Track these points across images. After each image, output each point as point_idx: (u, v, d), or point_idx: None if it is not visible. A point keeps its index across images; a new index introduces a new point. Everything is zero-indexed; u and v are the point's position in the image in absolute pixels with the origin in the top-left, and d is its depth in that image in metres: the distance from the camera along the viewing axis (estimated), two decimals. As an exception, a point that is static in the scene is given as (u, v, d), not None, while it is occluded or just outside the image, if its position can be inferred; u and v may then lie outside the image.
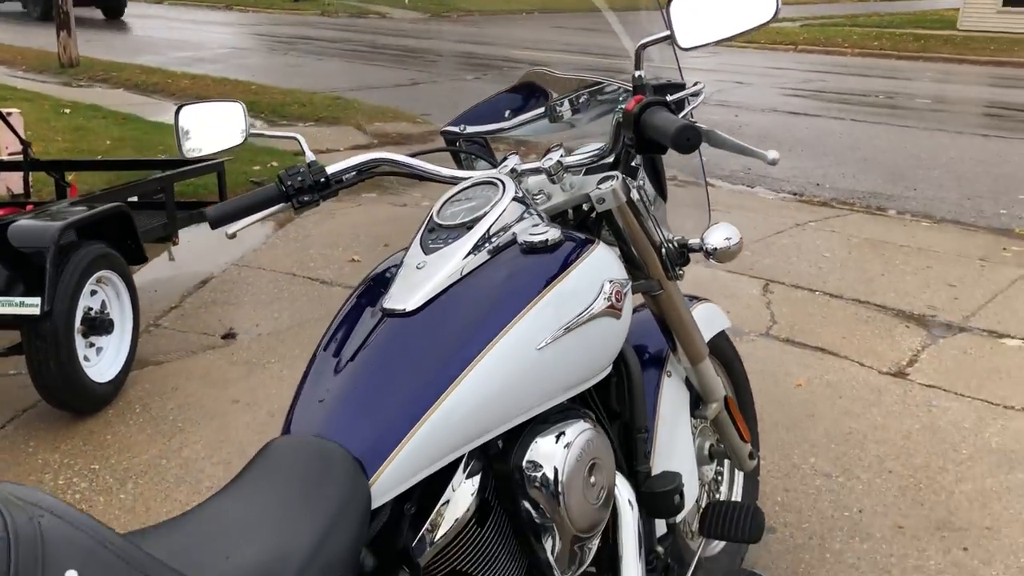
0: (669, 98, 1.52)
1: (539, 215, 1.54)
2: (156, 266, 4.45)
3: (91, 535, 0.90)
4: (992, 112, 10.27)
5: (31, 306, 2.89)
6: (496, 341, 1.32)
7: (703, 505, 2.09)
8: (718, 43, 1.52)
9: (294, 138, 1.74)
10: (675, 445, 1.86)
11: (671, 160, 1.75)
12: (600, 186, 1.59)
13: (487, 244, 1.44)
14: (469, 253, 1.42)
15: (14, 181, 4.82)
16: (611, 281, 1.47)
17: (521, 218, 1.49)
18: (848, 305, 4.28)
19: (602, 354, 1.49)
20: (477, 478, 1.34)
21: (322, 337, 1.42)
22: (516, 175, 1.63)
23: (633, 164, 1.70)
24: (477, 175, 1.61)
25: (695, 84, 1.62)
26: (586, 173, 1.67)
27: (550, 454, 1.38)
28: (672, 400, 1.89)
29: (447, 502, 1.31)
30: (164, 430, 3.15)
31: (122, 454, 3.00)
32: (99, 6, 20.38)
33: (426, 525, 1.29)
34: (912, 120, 9.42)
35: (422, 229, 1.50)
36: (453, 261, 1.41)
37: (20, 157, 4.57)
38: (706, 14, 1.51)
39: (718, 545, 2.31)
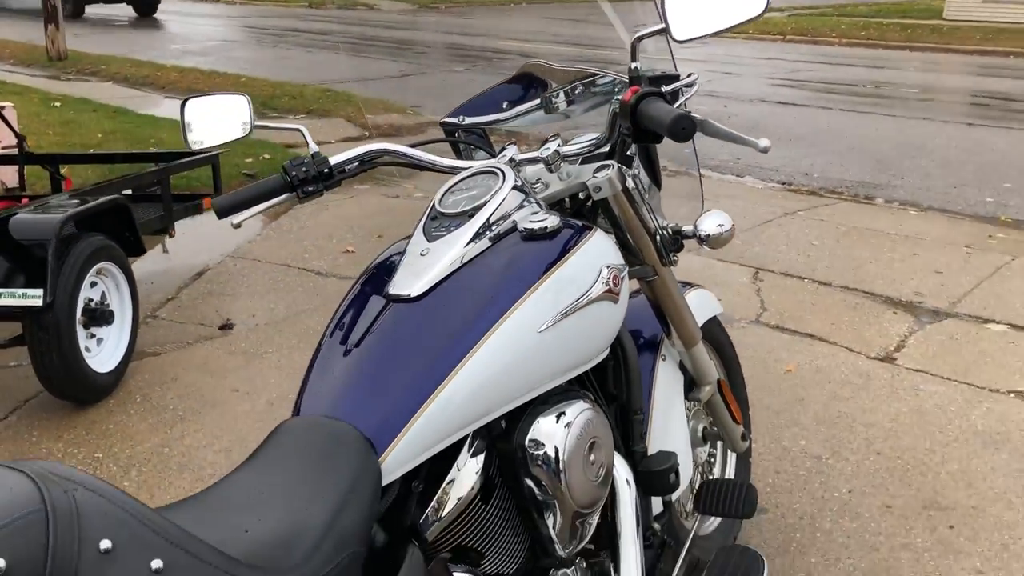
0: (664, 89, 1.58)
1: (538, 203, 1.59)
2: (152, 259, 4.47)
3: (123, 507, 0.95)
4: (977, 101, 10.35)
5: (34, 298, 2.93)
6: (499, 325, 1.37)
7: (697, 486, 2.15)
8: (711, 36, 1.58)
9: (298, 129, 1.79)
10: (670, 426, 1.92)
11: (664, 149, 1.81)
12: (596, 175, 1.64)
13: (488, 231, 1.49)
14: (471, 240, 1.47)
15: (8, 175, 4.84)
16: (609, 266, 1.53)
17: (521, 206, 1.54)
18: (836, 292, 4.35)
19: (600, 337, 1.55)
20: (481, 457, 1.39)
21: (329, 322, 1.47)
22: (515, 164, 1.68)
23: (628, 153, 1.75)
24: (477, 165, 1.66)
25: (689, 75, 1.67)
26: (582, 162, 1.73)
27: (551, 433, 1.43)
28: (667, 383, 1.95)
29: (453, 480, 1.36)
30: (165, 419, 3.20)
31: (125, 442, 3.05)
32: (131, 3, 19.61)
33: (433, 502, 1.34)
34: (899, 109, 9.49)
35: (425, 217, 1.55)
36: (456, 248, 1.46)
37: (15, 151, 4.59)
38: (699, 8, 1.56)
39: (712, 524, 2.37)
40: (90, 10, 19.99)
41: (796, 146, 7.61)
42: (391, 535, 1.31)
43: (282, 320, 4.03)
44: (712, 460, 2.41)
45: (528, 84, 1.94)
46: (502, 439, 1.43)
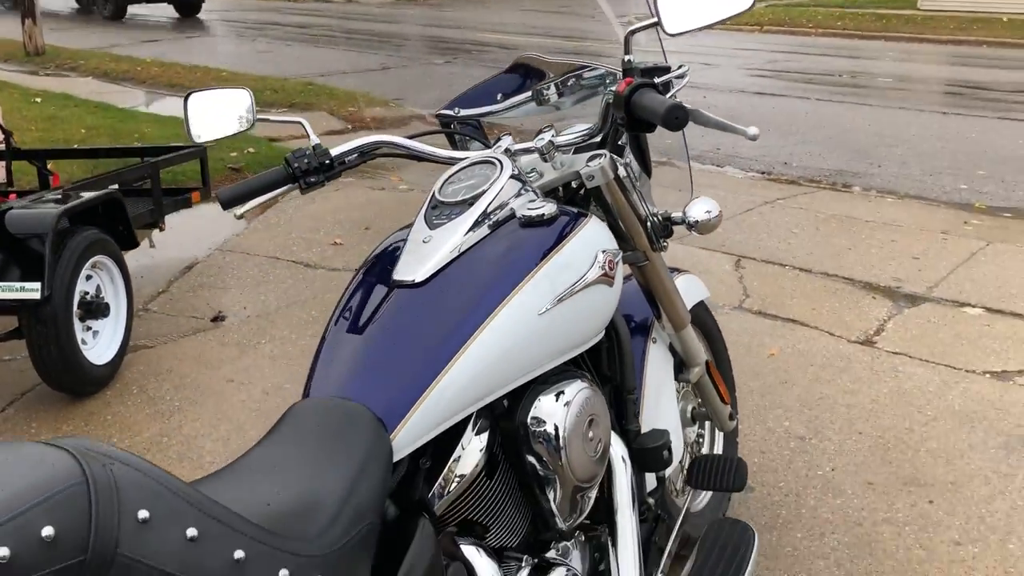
0: (657, 80, 1.64)
1: (535, 191, 1.65)
2: (141, 253, 4.50)
3: (158, 480, 1.01)
4: (951, 90, 10.48)
5: (31, 291, 2.97)
6: (500, 308, 1.44)
7: (686, 465, 2.22)
8: (702, 29, 1.64)
9: (298, 122, 1.85)
10: (661, 406, 1.99)
11: (652, 139, 1.88)
12: (589, 164, 1.71)
13: (488, 219, 1.55)
14: (471, 228, 1.53)
15: (-4, 171, 4.84)
16: (604, 251, 1.60)
17: (518, 194, 1.61)
18: (817, 278, 4.44)
19: (597, 319, 1.61)
20: (485, 435, 1.46)
21: (335, 308, 1.53)
22: (511, 154, 1.74)
23: (620, 143, 1.81)
24: (475, 155, 1.72)
25: (680, 67, 1.74)
26: (575, 152, 1.79)
27: (552, 411, 1.50)
28: (658, 364, 2.02)
29: (458, 458, 1.42)
30: (163, 410, 3.24)
31: (124, 433, 3.10)
32: (172, 3, 19.03)
33: (440, 479, 1.41)
34: (875, 99, 9.60)
35: (425, 206, 1.61)
36: (457, 235, 1.52)
37: (1, 147, 4.60)
38: (690, 2, 1.63)
39: (702, 500, 2.45)
40: (132, 10, 19.51)
41: (775, 136, 7.70)
42: (402, 509, 1.37)
43: (273, 312, 4.08)
44: (701, 440, 2.48)
45: (522, 76, 2.00)
46: (505, 418, 1.50)
